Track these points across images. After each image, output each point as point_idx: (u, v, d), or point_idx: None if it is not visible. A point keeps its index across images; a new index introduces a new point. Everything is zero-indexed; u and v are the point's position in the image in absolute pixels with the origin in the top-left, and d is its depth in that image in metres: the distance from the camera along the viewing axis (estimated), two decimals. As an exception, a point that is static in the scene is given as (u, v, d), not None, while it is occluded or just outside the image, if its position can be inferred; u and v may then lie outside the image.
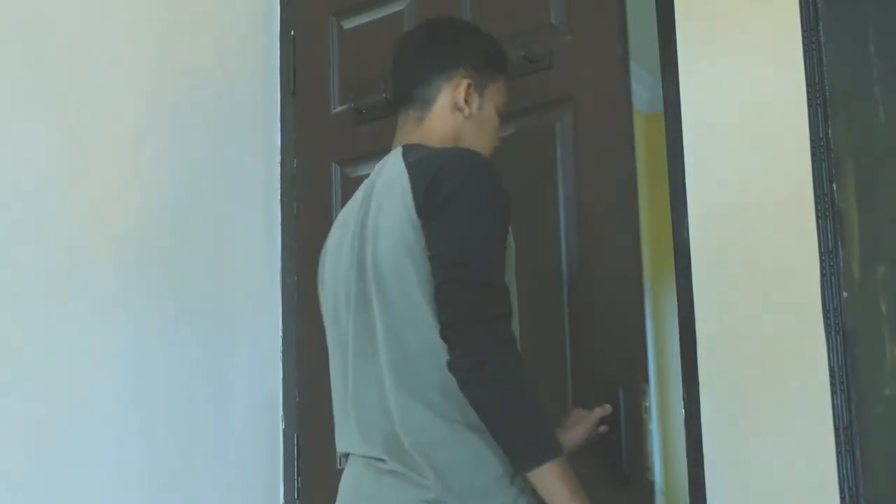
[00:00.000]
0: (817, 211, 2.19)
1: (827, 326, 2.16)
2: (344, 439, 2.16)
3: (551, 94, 2.69)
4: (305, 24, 3.20)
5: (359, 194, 2.23)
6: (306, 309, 3.06)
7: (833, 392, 2.13)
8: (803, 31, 2.24)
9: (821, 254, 2.18)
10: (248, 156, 3.10)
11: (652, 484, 2.50)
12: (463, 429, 1.98)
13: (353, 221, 2.17)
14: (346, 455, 2.18)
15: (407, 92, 2.27)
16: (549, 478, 1.93)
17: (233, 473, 2.91)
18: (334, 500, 2.33)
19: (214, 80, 3.04)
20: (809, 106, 2.22)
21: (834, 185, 2.18)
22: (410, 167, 2.09)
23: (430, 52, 2.29)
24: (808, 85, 2.23)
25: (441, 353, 1.99)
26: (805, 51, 2.24)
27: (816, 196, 2.19)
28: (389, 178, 2.12)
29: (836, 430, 2.11)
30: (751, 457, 2.25)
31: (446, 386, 1.99)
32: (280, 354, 3.07)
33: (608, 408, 2.40)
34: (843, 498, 2.09)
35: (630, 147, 2.60)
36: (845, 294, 2.15)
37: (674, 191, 2.48)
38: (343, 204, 3.02)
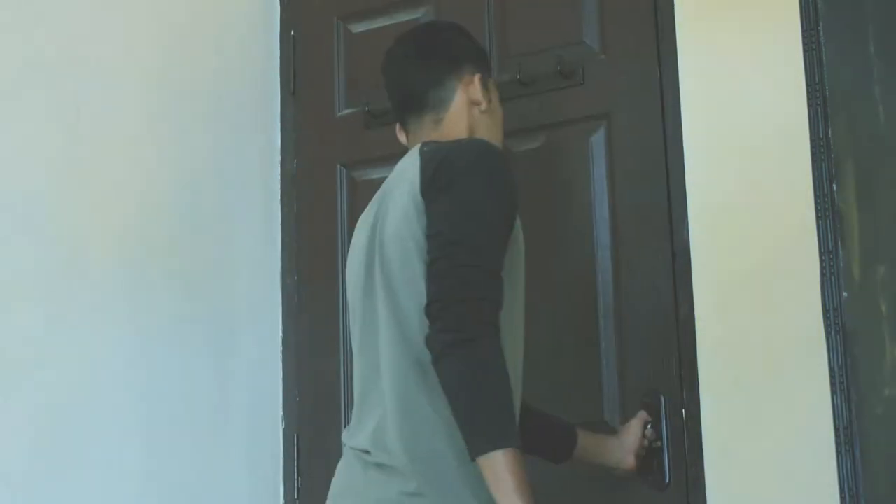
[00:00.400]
0: (817, 211, 2.19)
1: (827, 326, 2.16)
2: (346, 430, 2.17)
3: (584, 110, 2.71)
4: (307, 25, 3.20)
5: (380, 190, 2.23)
6: (306, 309, 3.06)
7: (833, 392, 2.13)
8: (803, 31, 2.25)
9: (821, 254, 2.18)
10: (248, 156, 3.10)
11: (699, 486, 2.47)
12: (446, 417, 1.96)
13: (372, 215, 2.17)
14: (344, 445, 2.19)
15: (421, 97, 2.26)
16: (499, 466, 1.88)
17: (233, 473, 2.90)
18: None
19: (214, 80, 3.04)
20: (809, 106, 2.22)
21: (834, 185, 2.18)
22: (423, 156, 2.09)
23: (435, 54, 2.29)
24: (808, 85, 2.23)
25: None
26: (805, 51, 2.24)
27: (816, 196, 2.20)
28: (402, 169, 2.13)
29: (836, 430, 2.11)
30: (751, 457, 2.25)
31: (422, 361, 1.99)
32: (280, 354, 3.07)
33: (643, 415, 2.41)
34: (843, 498, 2.09)
35: (664, 167, 2.58)
36: (845, 294, 2.15)
37: (674, 191, 2.48)
38: (349, 206, 3.04)
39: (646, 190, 2.59)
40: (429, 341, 1.94)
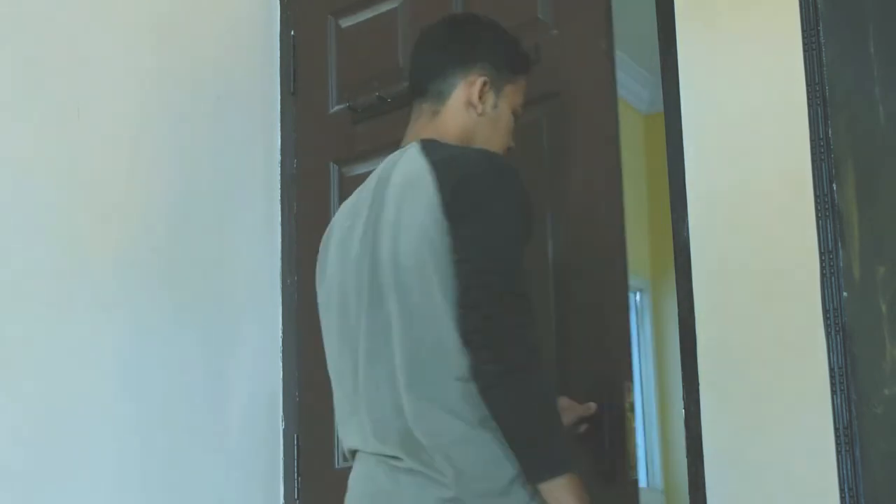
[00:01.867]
0: (817, 211, 2.19)
1: (827, 326, 2.16)
2: (352, 435, 2.14)
3: (538, 89, 2.69)
4: (305, 23, 3.20)
5: (368, 187, 2.20)
6: (306, 309, 3.06)
7: (833, 392, 2.13)
8: (803, 31, 2.24)
9: (821, 254, 2.18)
10: (248, 156, 3.10)
11: (635, 482, 2.49)
12: (479, 429, 1.97)
13: (364, 216, 2.15)
14: (354, 452, 2.16)
15: (422, 84, 2.26)
16: (562, 491, 1.94)
17: (233, 473, 2.90)
18: (334, 500, 2.33)
19: (214, 80, 3.04)
20: (809, 106, 2.22)
21: (834, 185, 2.18)
22: (435, 166, 2.07)
23: (449, 46, 2.28)
24: (808, 85, 2.23)
25: (456, 355, 1.98)
26: (805, 51, 2.24)
27: (816, 196, 2.19)
28: (410, 175, 2.10)
29: (836, 430, 2.11)
30: (751, 457, 2.25)
31: (461, 387, 1.98)
32: (280, 354, 3.07)
33: (592, 406, 2.39)
34: (843, 498, 2.09)
35: (615, 142, 2.59)
36: (845, 294, 2.15)
37: (674, 191, 2.48)
38: (341, 203, 3.04)
39: (598, 163, 2.58)
40: (476, 372, 1.96)
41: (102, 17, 2.81)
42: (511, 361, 1.94)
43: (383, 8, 3.03)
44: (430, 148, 2.13)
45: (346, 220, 2.23)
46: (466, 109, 2.23)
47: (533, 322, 1.98)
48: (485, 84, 2.24)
